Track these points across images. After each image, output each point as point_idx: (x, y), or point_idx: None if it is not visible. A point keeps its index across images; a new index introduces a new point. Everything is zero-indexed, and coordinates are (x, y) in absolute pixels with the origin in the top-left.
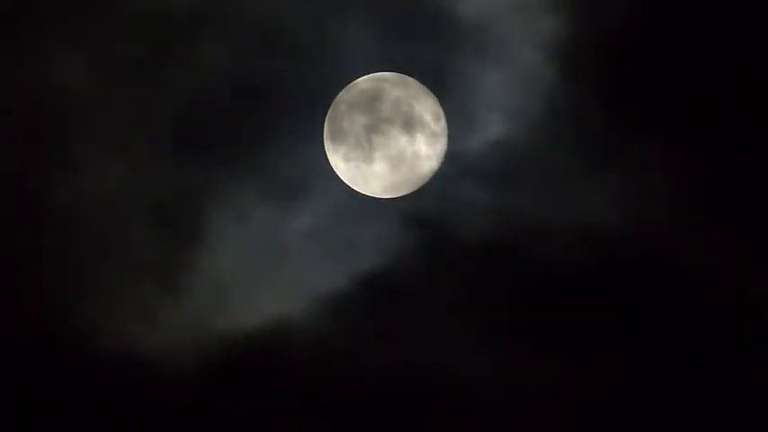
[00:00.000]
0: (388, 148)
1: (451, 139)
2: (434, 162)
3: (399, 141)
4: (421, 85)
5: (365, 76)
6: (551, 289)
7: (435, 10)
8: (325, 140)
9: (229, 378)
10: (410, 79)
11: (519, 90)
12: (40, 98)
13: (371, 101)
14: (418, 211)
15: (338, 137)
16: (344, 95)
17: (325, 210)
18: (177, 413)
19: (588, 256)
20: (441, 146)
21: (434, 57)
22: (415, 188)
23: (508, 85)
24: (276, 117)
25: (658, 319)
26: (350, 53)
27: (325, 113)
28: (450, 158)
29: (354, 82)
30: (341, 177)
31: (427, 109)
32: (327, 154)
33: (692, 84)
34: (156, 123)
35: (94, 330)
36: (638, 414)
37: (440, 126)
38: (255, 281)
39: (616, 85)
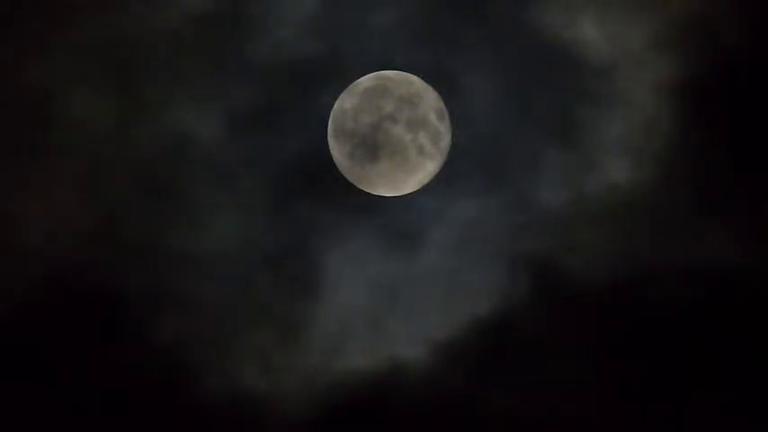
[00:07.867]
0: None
1: (572, 181)
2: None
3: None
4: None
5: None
6: (672, 332)
7: (561, 57)
8: None
9: (344, 424)
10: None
11: (640, 133)
12: (162, 146)
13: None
14: (536, 252)
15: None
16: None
17: (439, 253)
18: None
19: (712, 299)
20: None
21: (560, 101)
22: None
23: (630, 129)
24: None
25: None
26: (475, 104)
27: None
28: (571, 201)
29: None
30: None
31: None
32: None
33: None
34: (273, 169)
35: (211, 374)
36: None
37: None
38: (371, 324)
39: (738, 127)
